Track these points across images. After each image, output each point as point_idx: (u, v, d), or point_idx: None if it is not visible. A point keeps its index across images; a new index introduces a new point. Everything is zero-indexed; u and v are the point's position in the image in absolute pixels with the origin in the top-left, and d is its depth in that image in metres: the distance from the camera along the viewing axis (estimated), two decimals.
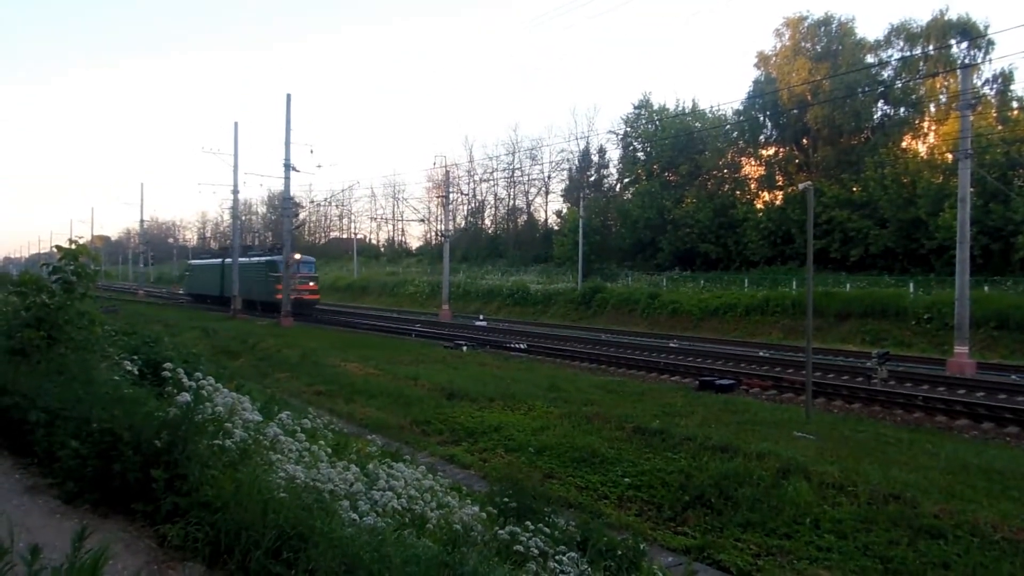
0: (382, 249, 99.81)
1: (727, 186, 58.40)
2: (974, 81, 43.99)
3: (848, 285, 38.97)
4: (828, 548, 8.34)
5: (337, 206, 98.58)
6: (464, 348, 26.43)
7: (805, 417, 14.37)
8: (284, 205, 42.57)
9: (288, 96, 39.24)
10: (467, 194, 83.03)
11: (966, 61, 46.53)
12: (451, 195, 59.46)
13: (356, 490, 5.73)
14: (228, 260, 50.60)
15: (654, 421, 13.02)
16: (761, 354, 26.13)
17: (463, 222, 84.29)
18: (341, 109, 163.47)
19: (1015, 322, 28.53)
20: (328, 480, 5.49)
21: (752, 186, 58.37)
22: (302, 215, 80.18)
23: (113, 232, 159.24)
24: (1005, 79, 47.89)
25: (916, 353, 27.33)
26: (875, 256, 45.27)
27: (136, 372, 7.79)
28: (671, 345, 28.03)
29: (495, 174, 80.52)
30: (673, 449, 11.52)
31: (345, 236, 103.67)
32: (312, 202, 78.26)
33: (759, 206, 55.31)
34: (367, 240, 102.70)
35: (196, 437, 4.93)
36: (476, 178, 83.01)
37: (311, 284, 48.44)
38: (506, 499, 7.16)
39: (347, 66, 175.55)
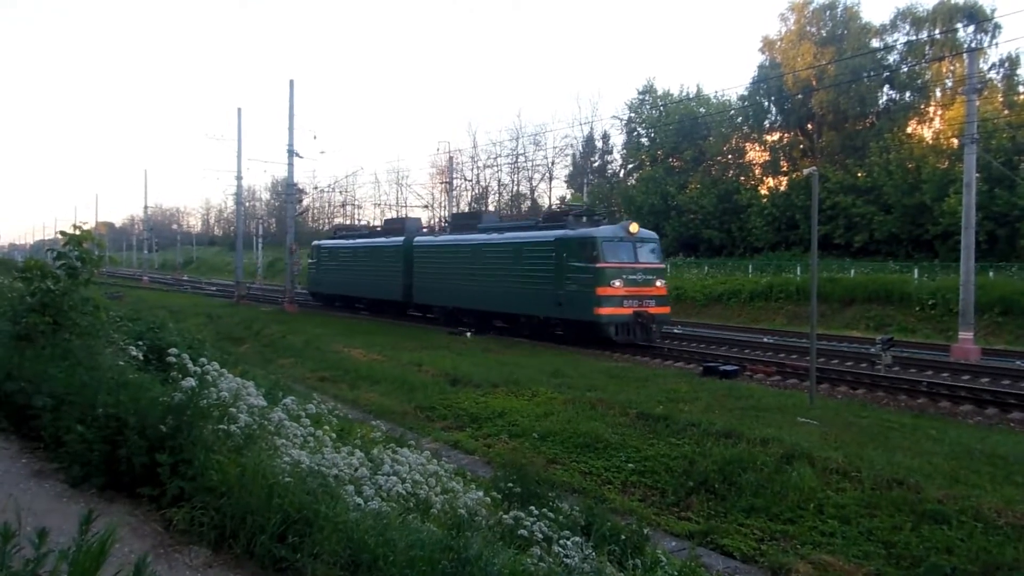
0: None
1: (731, 172, 58.18)
2: (980, 65, 43.66)
3: (852, 271, 38.84)
4: (831, 533, 8.38)
5: (341, 192, 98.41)
6: (468, 334, 26.45)
7: (809, 403, 14.37)
8: (288, 191, 42.51)
9: (291, 82, 39.16)
10: (471, 180, 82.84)
11: (972, 45, 46.12)
12: (454, 181, 59.41)
13: (361, 475, 5.75)
14: (428, 238, 33.36)
15: (658, 407, 13.04)
16: (765, 340, 26.08)
17: (467, 208, 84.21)
18: (345, 95, 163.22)
19: (1020, 308, 28.41)
20: (333, 465, 5.51)
21: (756, 172, 58.17)
22: (306, 201, 79.96)
23: (117, 219, 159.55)
24: (1012, 63, 47.64)
25: (920, 339, 27.27)
26: (880, 242, 45.11)
27: (141, 357, 7.82)
28: (675, 331, 27.98)
29: (499, 160, 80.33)
30: (677, 435, 11.55)
31: (349, 222, 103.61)
32: (316, 188, 78.26)
33: (763, 192, 55.12)
34: (371, 226, 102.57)
35: (201, 422, 4.95)
36: (480, 164, 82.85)
37: (657, 285, 24.17)
38: (510, 484, 7.18)
39: (351, 52, 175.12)
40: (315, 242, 44.27)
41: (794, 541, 8.31)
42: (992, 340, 26.57)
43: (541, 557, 5.00)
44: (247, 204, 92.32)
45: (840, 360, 21.03)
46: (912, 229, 43.41)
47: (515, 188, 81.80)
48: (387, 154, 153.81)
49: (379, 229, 40.94)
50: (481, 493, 6.48)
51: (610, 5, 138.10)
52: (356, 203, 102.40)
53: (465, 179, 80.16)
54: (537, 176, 79.60)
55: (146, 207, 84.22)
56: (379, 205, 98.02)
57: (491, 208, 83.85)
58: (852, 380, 17.39)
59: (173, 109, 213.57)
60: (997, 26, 47.66)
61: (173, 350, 6.91)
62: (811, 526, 8.59)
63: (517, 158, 78.70)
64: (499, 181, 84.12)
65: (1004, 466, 10.20)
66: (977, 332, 24.22)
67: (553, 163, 76.90)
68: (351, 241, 39.67)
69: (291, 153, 39.32)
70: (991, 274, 32.89)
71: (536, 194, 79.98)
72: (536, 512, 6.19)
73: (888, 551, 7.92)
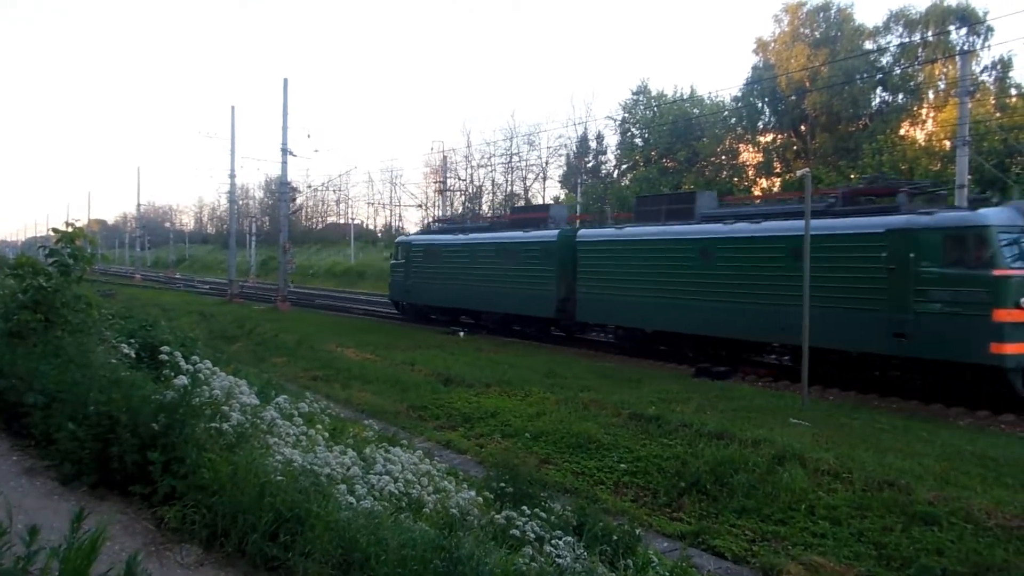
0: (379, 235, 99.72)
1: (725, 173, 58.29)
2: (973, 68, 43.90)
3: None
4: (822, 534, 8.40)
5: (334, 191, 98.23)
6: (461, 334, 26.44)
7: (801, 404, 14.42)
8: (281, 190, 42.42)
9: (285, 81, 39.11)
10: (464, 180, 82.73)
11: (965, 47, 46.33)
12: (448, 180, 59.39)
13: (353, 474, 5.76)
14: (605, 232, 23.94)
15: (650, 407, 13.06)
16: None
17: (460, 208, 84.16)
18: (339, 94, 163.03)
19: None
20: (325, 464, 5.52)
21: (750, 173, 58.30)
22: (299, 200, 79.94)
23: (110, 216, 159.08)
24: (1004, 66, 47.80)
25: None
26: None
27: (133, 355, 7.80)
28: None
29: (492, 159, 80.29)
30: (669, 435, 11.57)
31: (342, 221, 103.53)
32: (309, 187, 78.10)
33: (757, 193, 55.23)
34: (364, 225, 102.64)
35: (193, 420, 4.95)
36: (473, 164, 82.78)
37: None
38: (502, 484, 7.19)
39: (345, 51, 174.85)
40: (401, 238, 35.86)
41: (785, 542, 8.33)
42: None
43: (533, 557, 5.01)
44: (240, 202, 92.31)
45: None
46: None
47: (509, 188, 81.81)
48: (381, 153, 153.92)
49: (504, 220, 31.88)
50: (473, 493, 6.49)
51: (605, 6, 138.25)
52: (349, 201, 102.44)
53: (459, 179, 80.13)
54: (531, 176, 79.63)
55: (139, 204, 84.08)
56: (372, 204, 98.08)
57: (485, 208, 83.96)
58: (844, 382, 17.41)
59: (167, 107, 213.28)
60: (990, 28, 47.89)
61: (165, 348, 6.92)
62: (802, 527, 8.62)
63: (511, 158, 78.68)
64: (493, 181, 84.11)
65: (994, 467, 10.25)
66: None
67: (547, 163, 76.93)
68: (462, 236, 29.74)
69: (285, 151, 39.25)
70: None
71: (530, 194, 80.00)
72: (528, 512, 6.20)
73: (879, 552, 7.95)
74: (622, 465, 10.71)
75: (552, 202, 58.46)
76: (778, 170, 55.98)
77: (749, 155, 59.20)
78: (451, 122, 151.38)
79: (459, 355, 20.32)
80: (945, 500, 8.74)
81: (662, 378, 17.46)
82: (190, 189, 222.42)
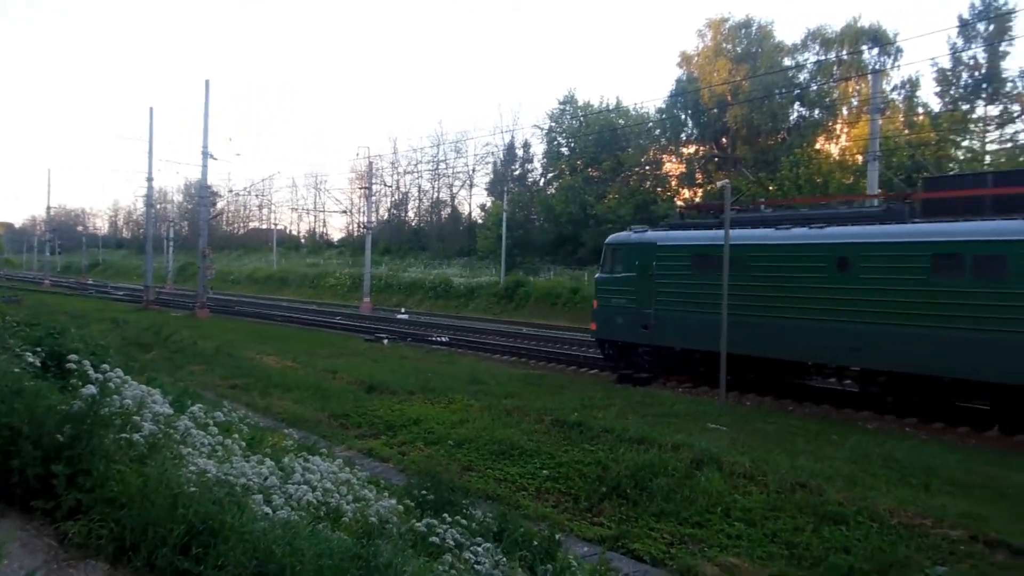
0: (303, 240, 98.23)
1: (648, 183, 59.35)
2: (884, 86, 45.89)
3: None
4: (738, 536, 8.62)
5: (257, 196, 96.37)
6: (385, 341, 26.23)
7: (719, 409, 14.77)
8: (201, 193, 41.41)
9: (207, 82, 38.20)
10: (390, 186, 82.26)
11: (876, 67, 48.38)
12: (374, 186, 58.83)
13: (271, 484, 5.66)
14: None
15: (573, 414, 13.19)
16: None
17: (386, 214, 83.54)
18: (263, 99, 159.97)
19: None
20: (241, 474, 5.41)
21: (673, 183, 59.45)
22: (220, 204, 77.91)
23: (17, 219, 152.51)
24: (912, 85, 50.04)
25: None
26: None
27: (39, 364, 7.48)
28: (592, 339, 28.35)
29: (419, 166, 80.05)
30: (591, 441, 11.70)
31: (265, 227, 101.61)
32: (231, 191, 76.26)
33: (679, 203, 56.37)
34: (287, 231, 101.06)
35: (102, 431, 4.78)
36: (400, 170, 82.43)
37: None
38: (424, 492, 7.17)
39: (270, 55, 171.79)
40: (622, 235, 21.77)
41: (702, 544, 8.51)
42: None
43: (452, 564, 5.00)
44: (158, 206, 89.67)
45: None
46: None
47: (435, 195, 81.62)
48: (306, 159, 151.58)
49: (854, 209, 19.76)
50: (394, 501, 6.44)
51: (532, 16, 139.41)
52: (272, 207, 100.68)
53: (385, 184, 79.56)
54: (458, 183, 79.61)
55: (49, 207, 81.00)
56: (296, 209, 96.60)
57: (411, 214, 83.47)
58: (761, 387, 17.89)
59: (80, 106, 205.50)
60: (899, 49, 50.20)
61: (73, 356, 6.67)
62: (719, 529, 8.82)
63: (438, 165, 78.60)
64: (419, 187, 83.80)
65: (899, 469, 10.72)
66: None
67: (474, 170, 77.06)
68: (804, 232, 16.93)
69: (205, 155, 38.33)
70: None
71: (456, 201, 80.00)
72: (449, 519, 6.20)
73: (791, 552, 8.20)
74: (544, 471, 10.79)
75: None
76: (700, 181, 57.28)
77: (672, 166, 60.37)
78: (378, 129, 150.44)
79: (383, 362, 20.16)
80: (853, 500, 9.09)
81: (586, 385, 17.67)
82: (105, 192, 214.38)
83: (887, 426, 14.75)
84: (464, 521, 6.18)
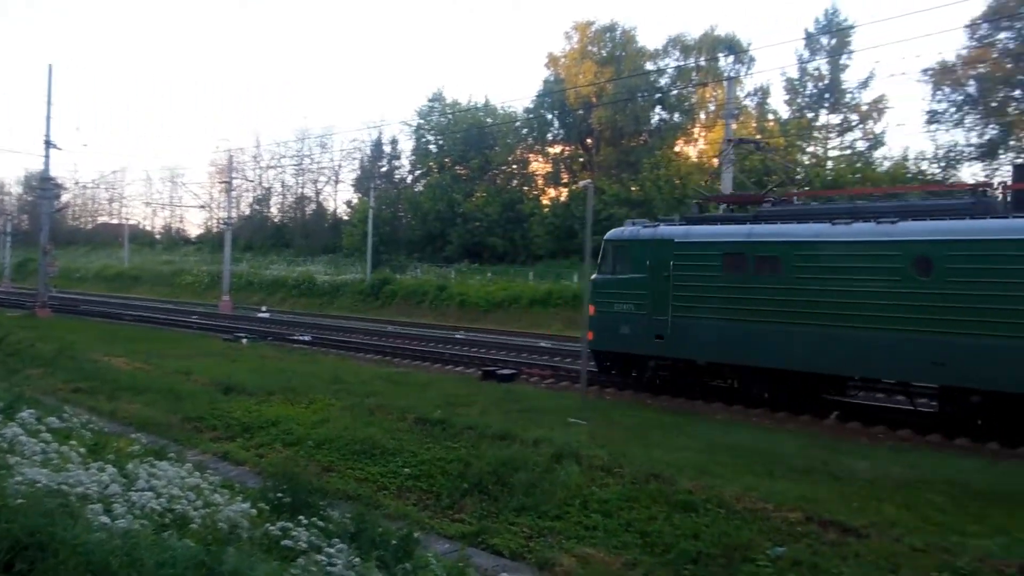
0: (158, 236, 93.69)
1: (516, 181, 60.08)
2: (738, 93, 48.38)
3: None
4: (594, 527, 8.82)
5: (107, 189, 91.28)
6: (244, 340, 25.38)
7: (580, 404, 15.11)
8: (43, 185, 38.76)
9: (50, 67, 35.72)
10: (252, 181, 79.68)
11: (731, 74, 50.92)
12: (234, 181, 56.85)
13: (112, 492, 5.40)
14: None
15: (436, 411, 13.16)
16: (542, 344, 27.16)
17: (247, 210, 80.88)
18: (115, 89, 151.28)
19: None
20: (78, 483, 5.13)
21: (539, 182, 60.44)
22: (65, 197, 73.24)
23: None
24: (764, 93, 53.01)
25: None
26: None
27: None
28: (457, 336, 28.48)
29: (283, 161, 77.92)
30: (453, 438, 11.71)
31: (116, 222, 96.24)
32: (78, 184, 71.90)
33: (545, 202, 57.37)
34: (141, 226, 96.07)
35: None
36: (263, 164, 79.92)
37: None
38: (280, 494, 7.01)
39: (123, 42, 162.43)
40: (628, 229, 18.70)
41: (560, 536, 8.68)
42: None
43: (305, 567, 4.91)
44: None
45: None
46: None
47: (299, 191, 79.66)
48: (162, 152, 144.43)
49: (932, 201, 16.43)
50: (247, 505, 6.25)
51: (402, 13, 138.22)
52: (124, 200, 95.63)
53: (246, 179, 76.95)
54: (323, 179, 78.01)
55: None
56: (150, 204, 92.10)
57: (274, 210, 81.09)
58: (620, 382, 18.43)
59: None
60: (752, 59, 53.04)
61: None
62: (576, 521, 9.01)
63: (302, 160, 76.74)
64: (283, 183, 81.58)
65: (744, 456, 11.24)
66: None
67: (340, 166, 75.73)
68: (840, 228, 14.87)
69: (48, 144, 35.80)
70: None
71: (321, 197, 78.41)
72: (306, 521, 6.08)
73: (644, 540, 8.48)
74: (406, 469, 10.73)
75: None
76: (565, 180, 58.47)
77: (539, 165, 61.40)
78: (241, 124, 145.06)
79: (241, 362, 19.49)
80: (702, 488, 9.48)
81: (449, 382, 17.68)
82: None
83: (734, 417, 15.48)
84: (321, 523, 6.07)
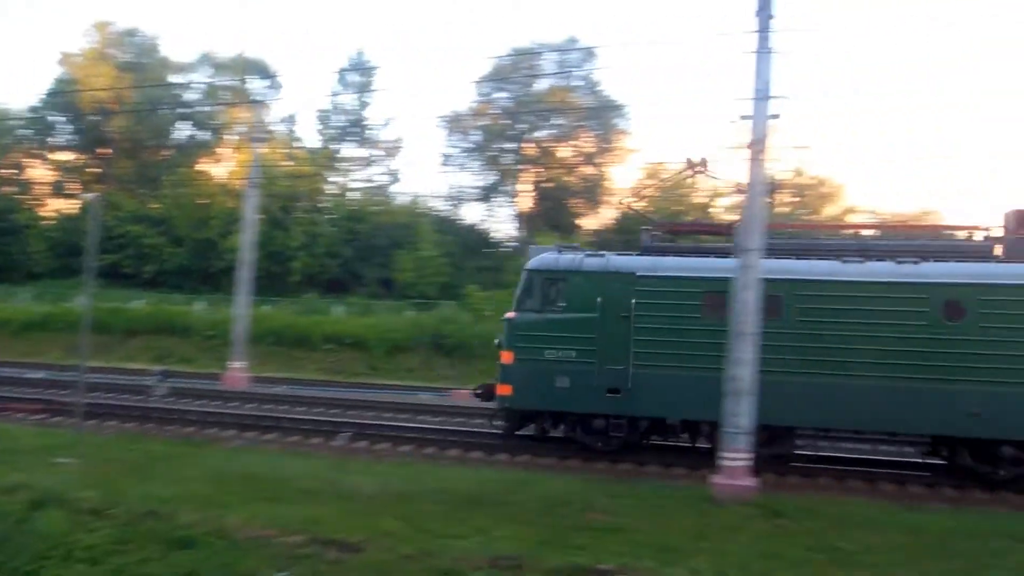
0: None
1: (8, 187, 52.72)
2: (269, 117, 48.75)
3: (141, 301, 38.58)
4: None
5: None
6: None
7: (74, 440, 13.65)
8: None
9: None
10: None
11: (261, 99, 51.02)
12: None
13: None
14: None
15: None
16: (35, 375, 24.18)
17: None
18: None
19: (288, 338, 32.15)
20: None
21: (39, 191, 53.83)
22: None
23: None
24: (292, 120, 54.21)
25: (199, 369, 28.45)
26: (170, 273, 45.95)
27: None
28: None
29: None
30: None
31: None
32: None
33: (47, 214, 51.30)
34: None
35: None
36: None
37: None
38: None
39: None
40: (563, 261, 15.05)
41: None
42: (265, 368, 29.14)
43: None
44: None
45: (116, 393, 20.61)
46: (201, 262, 45.31)
47: None
48: None
49: (956, 242, 15.66)
50: None
51: None
52: None
53: None
54: None
55: None
56: None
57: None
58: (123, 414, 17.31)
59: None
60: (280, 85, 53.93)
61: None
62: (56, 574, 8.15)
63: None
64: None
65: (255, 484, 11.19)
66: (252, 361, 26.38)
67: None
68: (852, 266, 13.72)
69: None
70: (267, 308, 36.10)
71: None
72: None
73: None
74: None
75: None
76: (76, 192, 53.01)
77: (41, 172, 54.72)
78: None
79: None
80: (203, 521, 9.17)
81: None
82: None
83: (250, 443, 15.38)
84: None
